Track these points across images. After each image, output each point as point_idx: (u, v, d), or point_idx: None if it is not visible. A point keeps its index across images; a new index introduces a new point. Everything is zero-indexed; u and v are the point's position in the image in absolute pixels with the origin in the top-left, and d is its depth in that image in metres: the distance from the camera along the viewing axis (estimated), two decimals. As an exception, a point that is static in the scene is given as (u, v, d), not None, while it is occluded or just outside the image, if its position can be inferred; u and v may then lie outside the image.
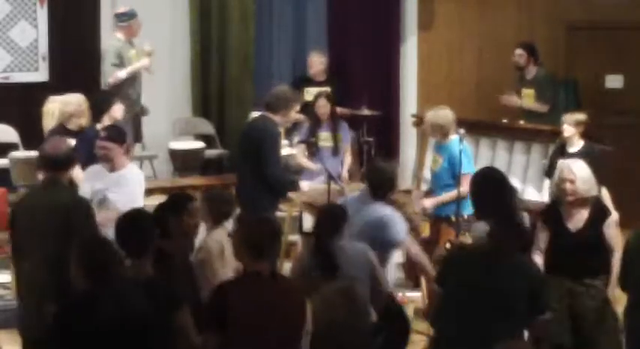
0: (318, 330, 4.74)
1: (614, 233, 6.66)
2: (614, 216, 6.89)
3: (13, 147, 10.18)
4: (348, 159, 9.88)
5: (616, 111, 10.85)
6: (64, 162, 6.15)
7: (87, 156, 7.51)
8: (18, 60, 10.60)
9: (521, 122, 10.18)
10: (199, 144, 10.78)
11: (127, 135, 7.35)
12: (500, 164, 9.39)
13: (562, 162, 6.82)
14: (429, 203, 8.22)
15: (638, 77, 10.89)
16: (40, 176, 6.25)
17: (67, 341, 4.71)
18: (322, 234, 6.03)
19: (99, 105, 8.42)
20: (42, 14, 10.62)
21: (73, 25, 10.75)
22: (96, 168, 7.25)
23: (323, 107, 9.72)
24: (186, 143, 10.82)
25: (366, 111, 10.67)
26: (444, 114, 8.29)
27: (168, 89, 10.91)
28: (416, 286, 8.32)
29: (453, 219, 7.82)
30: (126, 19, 9.93)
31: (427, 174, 9.17)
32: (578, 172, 6.56)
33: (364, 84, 11.40)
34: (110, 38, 10.19)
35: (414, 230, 7.66)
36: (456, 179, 7.88)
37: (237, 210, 7.07)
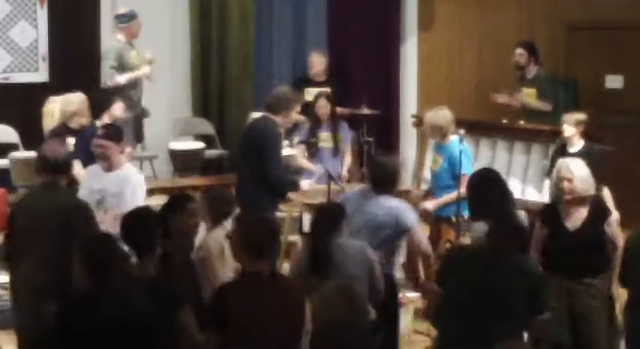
0: (317, 330, 4.74)
1: (616, 230, 6.67)
2: (615, 215, 6.89)
3: (13, 147, 10.18)
4: (348, 159, 9.88)
5: (616, 111, 10.85)
6: (63, 166, 6.15)
7: (86, 154, 7.52)
8: (18, 60, 10.60)
9: (521, 122, 10.18)
10: (199, 145, 10.79)
11: (124, 133, 7.33)
12: (500, 164, 9.40)
13: (561, 161, 6.83)
14: (430, 205, 8.22)
15: (638, 77, 10.88)
16: (39, 178, 6.25)
17: (67, 341, 4.71)
18: (320, 232, 6.04)
19: (99, 103, 8.43)
20: (42, 14, 10.63)
21: (73, 26, 10.76)
22: (94, 169, 7.24)
23: (323, 107, 9.72)
24: (186, 143, 10.83)
25: (366, 112, 10.67)
26: (443, 114, 8.30)
27: (168, 89, 10.91)
28: (416, 286, 8.32)
29: (454, 219, 7.83)
30: (126, 20, 9.93)
31: (427, 174, 9.17)
32: (576, 171, 6.56)
33: (364, 84, 11.40)
34: (110, 39, 10.19)
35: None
36: (456, 179, 7.89)
37: (237, 210, 7.07)
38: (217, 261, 6.04)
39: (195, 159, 10.53)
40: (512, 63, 10.56)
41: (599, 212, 6.62)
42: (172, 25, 11.11)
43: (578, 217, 6.58)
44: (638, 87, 10.91)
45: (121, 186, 6.99)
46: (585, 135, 8.62)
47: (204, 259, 6.05)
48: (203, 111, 11.36)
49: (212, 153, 11.02)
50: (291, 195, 8.46)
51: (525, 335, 5.78)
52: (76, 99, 8.68)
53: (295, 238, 9.14)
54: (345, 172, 9.69)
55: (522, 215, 6.70)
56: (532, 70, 10.51)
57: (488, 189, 6.49)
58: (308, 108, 9.79)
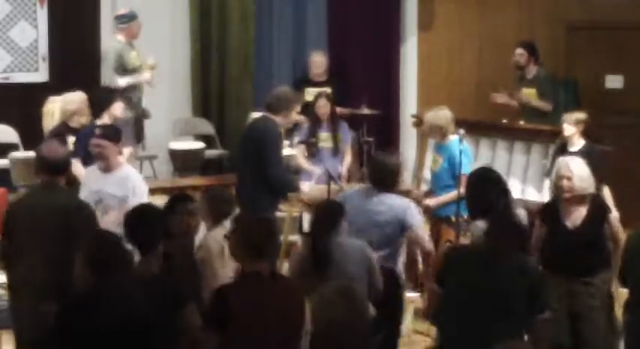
0: (317, 330, 4.73)
1: (617, 225, 6.67)
2: (615, 214, 6.89)
3: (13, 147, 10.18)
4: (347, 159, 9.89)
5: (616, 111, 10.85)
6: (62, 166, 6.14)
7: (86, 153, 7.52)
8: (18, 60, 10.60)
9: (521, 122, 10.18)
10: (199, 145, 10.79)
11: (122, 133, 7.33)
12: (500, 164, 9.39)
13: (560, 160, 6.84)
14: (431, 202, 8.23)
15: (638, 77, 10.88)
16: (38, 178, 6.24)
17: (67, 341, 4.71)
18: (319, 231, 6.04)
19: (99, 102, 8.43)
20: (42, 14, 10.63)
21: (73, 26, 10.76)
22: (93, 170, 7.23)
23: (323, 107, 9.73)
24: (186, 143, 10.82)
25: (366, 112, 10.67)
26: (442, 114, 8.30)
27: (168, 89, 10.91)
28: (415, 286, 8.32)
29: (453, 219, 7.83)
30: (126, 20, 9.93)
31: (427, 174, 9.17)
32: (575, 169, 6.56)
33: (364, 84, 11.40)
34: (110, 39, 10.19)
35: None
36: (455, 179, 7.89)
37: (237, 210, 7.06)
38: (217, 261, 6.04)
39: (195, 159, 10.53)
40: (512, 63, 10.55)
41: (598, 210, 6.62)
42: (172, 25, 11.11)
43: (577, 216, 6.58)
44: (638, 87, 10.91)
45: (120, 188, 6.99)
46: (585, 134, 8.63)
47: (204, 259, 6.05)
48: (203, 111, 11.36)
49: (212, 153, 11.02)
50: (291, 195, 8.46)
51: (525, 336, 5.78)
52: (76, 99, 8.68)
53: (295, 238, 9.14)
54: (345, 172, 9.70)
55: (522, 213, 6.68)
56: (532, 70, 10.50)
57: (486, 187, 6.49)
58: (308, 108, 9.80)
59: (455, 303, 5.65)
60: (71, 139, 8.24)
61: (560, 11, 11.15)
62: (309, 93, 10.51)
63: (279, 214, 8.33)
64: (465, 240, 7.20)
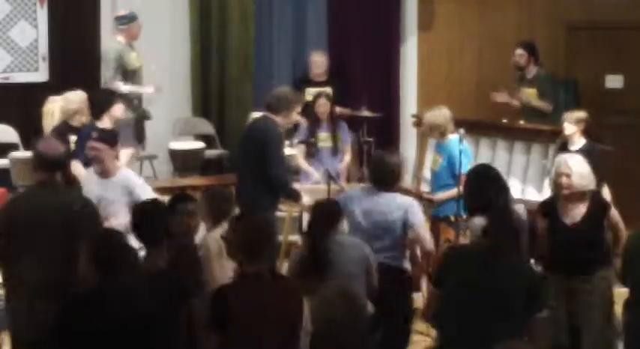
0: (317, 330, 4.74)
1: (617, 217, 6.67)
2: (614, 212, 6.89)
3: (13, 147, 10.18)
4: (347, 159, 9.89)
5: (616, 111, 10.85)
6: (60, 162, 6.12)
7: (85, 153, 7.52)
8: (18, 60, 10.60)
9: (521, 122, 10.18)
10: (199, 145, 10.79)
11: (119, 137, 7.32)
12: (500, 164, 9.39)
13: (560, 157, 6.84)
14: (435, 197, 8.23)
15: (638, 77, 10.88)
16: (36, 176, 6.21)
17: (67, 341, 4.70)
18: (318, 231, 6.04)
19: (99, 103, 8.43)
20: (42, 14, 10.63)
21: (73, 26, 10.75)
22: (91, 175, 7.22)
23: (323, 106, 9.73)
24: (186, 143, 10.83)
25: (366, 112, 10.66)
26: (441, 113, 8.31)
27: (168, 89, 10.91)
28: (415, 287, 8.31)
29: (452, 219, 7.82)
30: (126, 21, 9.93)
31: (427, 174, 9.18)
32: (574, 166, 6.56)
33: (364, 84, 11.40)
34: (110, 40, 10.18)
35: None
36: (455, 178, 7.88)
37: (237, 210, 7.06)
38: (217, 261, 6.03)
39: (195, 159, 10.54)
40: (512, 63, 10.55)
41: (598, 207, 6.62)
42: (172, 25, 11.12)
43: (577, 213, 6.57)
44: (638, 88, 10.92)
45: (123, 191, 6.98)
46: (586, 133, 8.63)
47: (204, 258, 6.05)
48: (203, 111, 11.36)
49: (212, 153, 11.03)
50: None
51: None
52: (76, 98, 8.69)
53: (295, 238, 9.13)
54: (344, 172, 9.69)
55: (521, 208, 6.68)
56: (532, 70, 10.50)
57: (485, 184, 6.49)
58: (308, 108, 9.80)
59: (455, 303, 5.65)
60: (73, 138, 8.24)
61: (560, 11, 11.15)
62: (309, 94, 10.51)
63: (279, 214, 8.32)
64: (464, 240, 7.20)
